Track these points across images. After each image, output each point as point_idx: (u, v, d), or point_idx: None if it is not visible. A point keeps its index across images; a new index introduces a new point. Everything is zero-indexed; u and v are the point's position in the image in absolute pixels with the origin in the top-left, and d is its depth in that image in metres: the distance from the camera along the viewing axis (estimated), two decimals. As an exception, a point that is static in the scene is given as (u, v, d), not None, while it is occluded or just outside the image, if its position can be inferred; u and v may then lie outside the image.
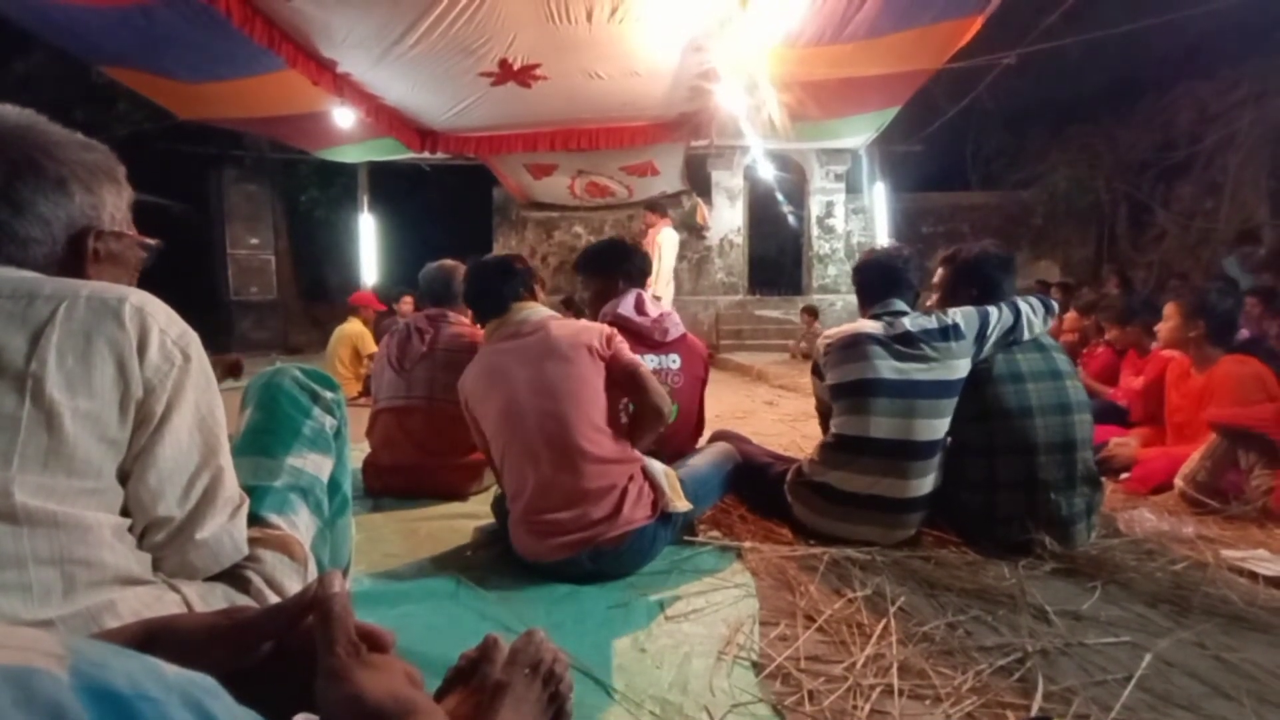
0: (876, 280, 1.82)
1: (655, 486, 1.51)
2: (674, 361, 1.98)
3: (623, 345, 1.62)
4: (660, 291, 5.30)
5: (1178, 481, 2.05)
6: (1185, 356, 2.36)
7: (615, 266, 2.09)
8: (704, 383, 2.07)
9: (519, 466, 1.50)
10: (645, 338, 1.94)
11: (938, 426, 1.63)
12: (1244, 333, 2.67)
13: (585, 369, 1.53)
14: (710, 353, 7.38)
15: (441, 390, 2.12)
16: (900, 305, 1.76)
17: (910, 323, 1.68)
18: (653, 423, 1.56)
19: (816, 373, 1.82)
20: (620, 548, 1.43)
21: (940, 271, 1.89)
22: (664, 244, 5.38)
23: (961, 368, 1.64)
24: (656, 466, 1.55)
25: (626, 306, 2.01)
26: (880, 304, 1.78)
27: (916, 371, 1.62)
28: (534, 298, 1.74)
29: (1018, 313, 1.70)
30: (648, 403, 1.55)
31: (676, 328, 2.03)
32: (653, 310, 2.02)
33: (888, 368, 1.63)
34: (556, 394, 1.49)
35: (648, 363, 1.76)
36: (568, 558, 1.43)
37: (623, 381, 1.58)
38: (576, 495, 1.43)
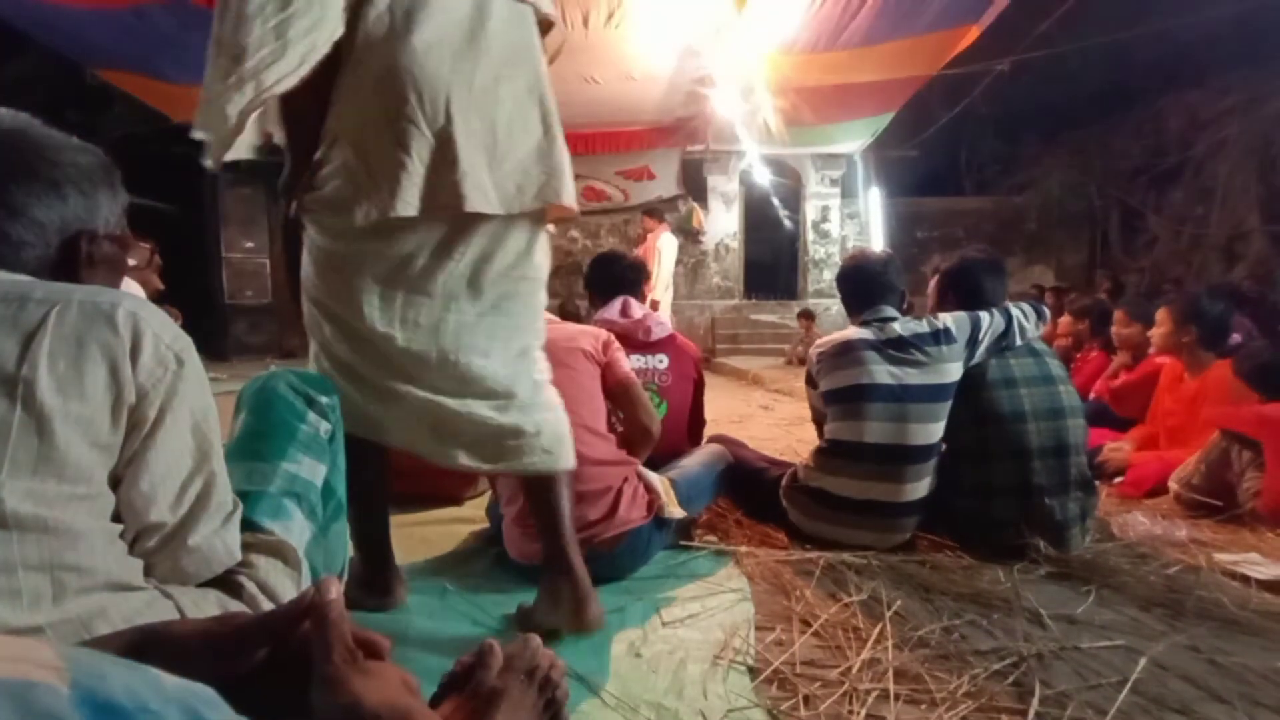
0: (861, 288, 1.83)
1: (650, 488, 1.52)
2: (661, 361, 2.00)
3: (619, 355, 1.64)
4: (659, 296, 5.30)
5: (1172, 485, 2.06)
6: (1178, 361, 2.38)
7: (618, 288, 2.13)
8: (697, 383, 2.08)
9: None
10: (629, 338, 1.97)
11: (932, 431, 1.63)
12: (1236, 337, 2.69)
13: (580, 373, 1.55)
14: (705, 357, 7.36)
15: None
16: (889, 311, 1.76)
17: (901, 327, 1.69)
18: (642, 440, 1.62)
19: (810, 382, 1.83)
20: (615, 549, 1.43)
21: (932, 283, 1.91)
22: (663, 249, 5.38)
23: (953, 371, 1.65)
24: (652, 475, 1.56)
25: (611, 311, 2.05)
26: (869, 310, 1.78)
27: (909, 376, 1.63)
28: None
29: (1009, 318, 1.71)
30: (637, 420, 1.62)
31: (661, 328, 2.05)
32: (636, 312, 2.04)
33: (881, 372, 1.63)
34: None
35: (633, 362, 1.82)
36: (563, 560, 1.43)
37: (615, 393, 1.62)
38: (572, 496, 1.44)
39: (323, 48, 1.01)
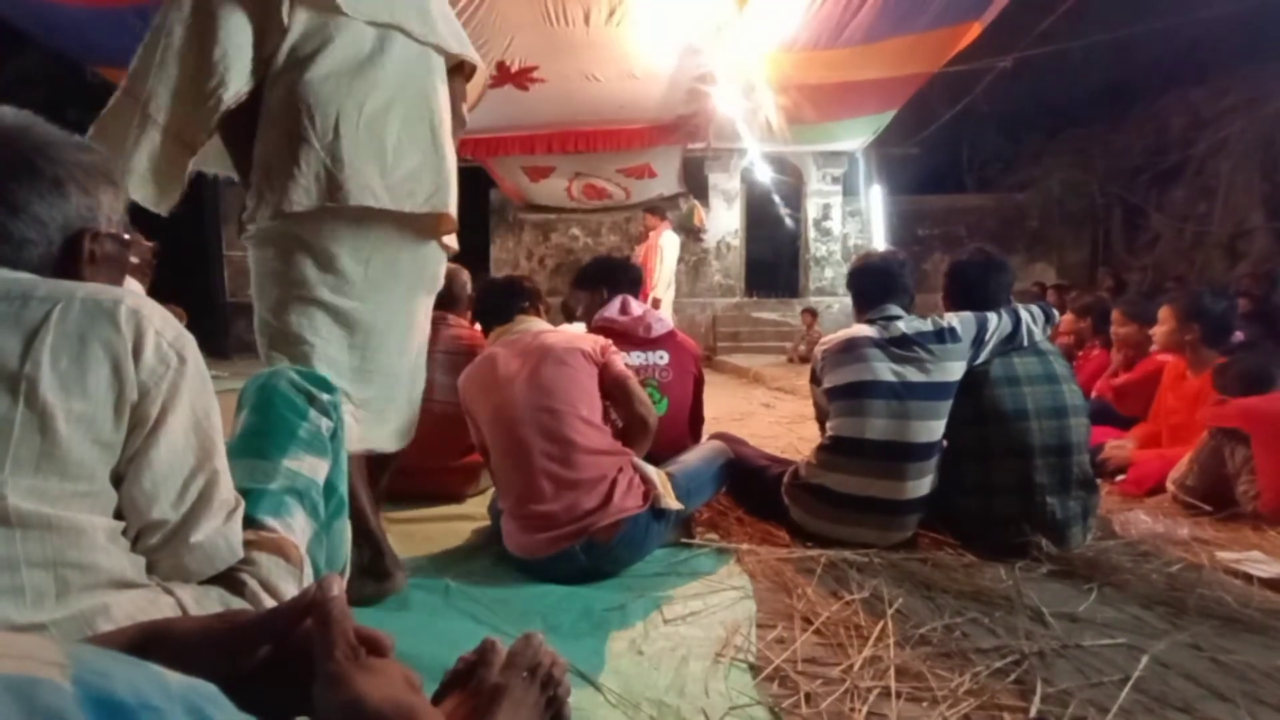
0: (873, 285, 1.82)
1: (645, 478, 1.53)
2: (661, 358, 2.01)
3: (615, 356, 1.69)
4: (661, 294, 5.30)
5: (1168, 485, 2.06)
6: (1181, 359, 2.38)
7: (599, 280, 2.15)
8: (698, 379, 2.09)
9: (512, 461, 1.53)
10: (629, 336, 2.00)
11: (933, 428, 1.63)
12: (1239, 335, 2.68)
13: (578, 370, 1.60)
14: (706, 355, 7.32)
15: (440, 392, 2.11)
16: (896, 310, 1.76)
17: (905, 325, 1.69)
18: (640, 433, 1.65)
19: (814, 379, 1.83)
20: (612, 539, 1.44)
21: (943, 282, 1.91)
22: (665, 247, 5.37)
23: (956, 370, 1.65)
24: (649, 467, 1.57)
25: (611, 310, 2.08)
26: (876, 309, 1.78)
27: (912, 374, 1.63)
28: (538, 314, 1.85)
29: (1018, 320, 1.70)
30: (635, 413, 1.65)
31: (661, 324, 2.07)
32: (636, 310, 2.06)
33: (884, 369, 1.63)
34: (550, 391, 1.54)
35: (634, 359, 1.87)
36: (561, 551, 1.43)
37: (612, 391, 1.66)
38: (567, 485, 1.46)
39: (229, 103, 1.19)
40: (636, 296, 2.14)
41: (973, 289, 1.79)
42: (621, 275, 2.16)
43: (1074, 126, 9.19)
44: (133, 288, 1.82)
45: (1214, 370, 2.14)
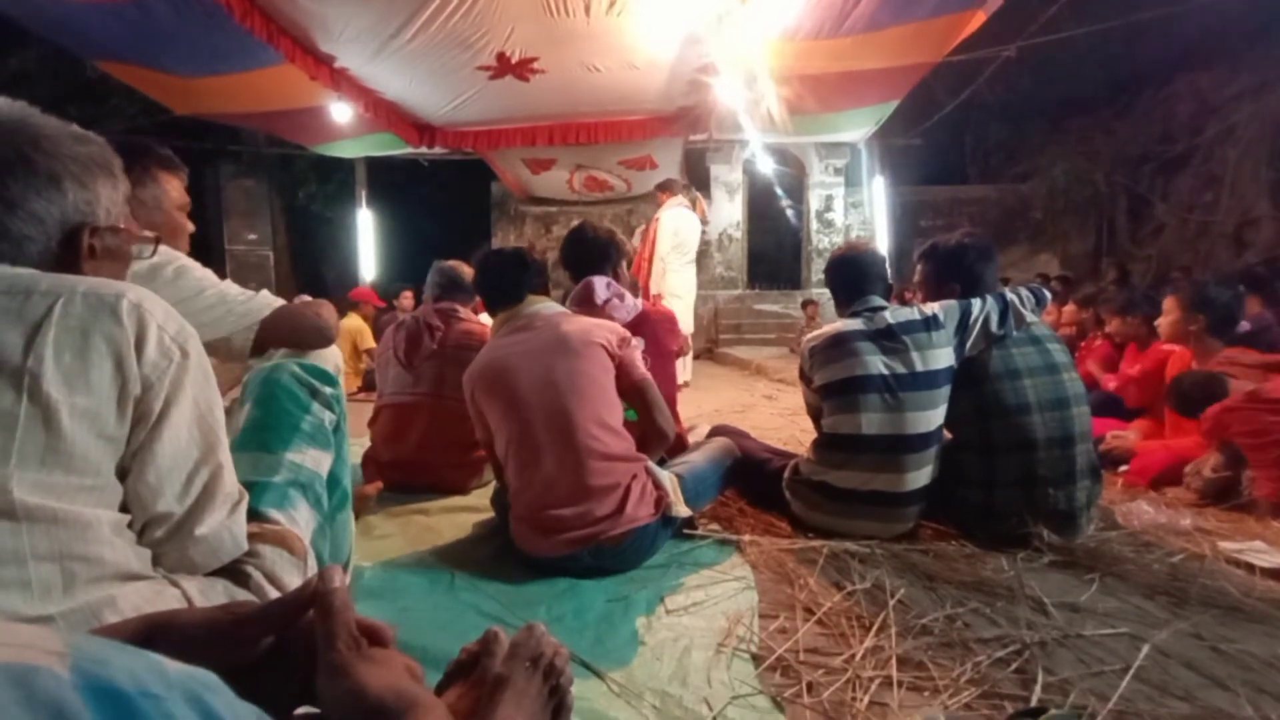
0: (849, 278, 1.82)
1: (659, 485, 1.51)
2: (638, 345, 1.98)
3: (635, 354, 1.62)
4: (654, 281, 4.56)
5: (1188, 479, 2.05)
6: (1187, 350, 2.37)
7: (571, 256, 2.11)
8: (678, 352, 2.02)
9: (523, 462, 1.50)
10: None
11: (930, 418, 1.62)
12: (1245, 325, 2.66)
13: (594, 366, 1.53)
14: (708, 347, 7.09)
15: (449, 388, 2.11)
16: (877, 300, 1.75)
17: (891, 316, 1.68)
18: (658, 444, 1.62)
19: (804, 378, 1.80)
20: (622, 545, 1.44)
21: (920, 268, 1.88)
22: (662, 221, 4.60)
23: (944, 358, 1.64)
24: (662, 473, 1.55)
25: (576, 297, 2.00)
26: (858, 301, 1.77)
27: (902, 365, 1.62)
28: (546, 292, 1.77)
29: (1005, 304, 1.69)
30: (654, 425, 1.60)
31: (627, 310, 1.98)
32: (599, 297, 1.97)
33: (875, 363, 1.63)
34: (563, 390, 1.48)
35: None
36: (569, 553, 1.43)
37: (631, 397, 1.60)
38: (580, 492, 1.43)
39: None
40: (610, 275, 2.02)
41: (958, 272, 1.76)
42: (600, 254, 2.05)
43: (1078, 115, 9.11)
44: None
45: (1165, 394, 2.15)
